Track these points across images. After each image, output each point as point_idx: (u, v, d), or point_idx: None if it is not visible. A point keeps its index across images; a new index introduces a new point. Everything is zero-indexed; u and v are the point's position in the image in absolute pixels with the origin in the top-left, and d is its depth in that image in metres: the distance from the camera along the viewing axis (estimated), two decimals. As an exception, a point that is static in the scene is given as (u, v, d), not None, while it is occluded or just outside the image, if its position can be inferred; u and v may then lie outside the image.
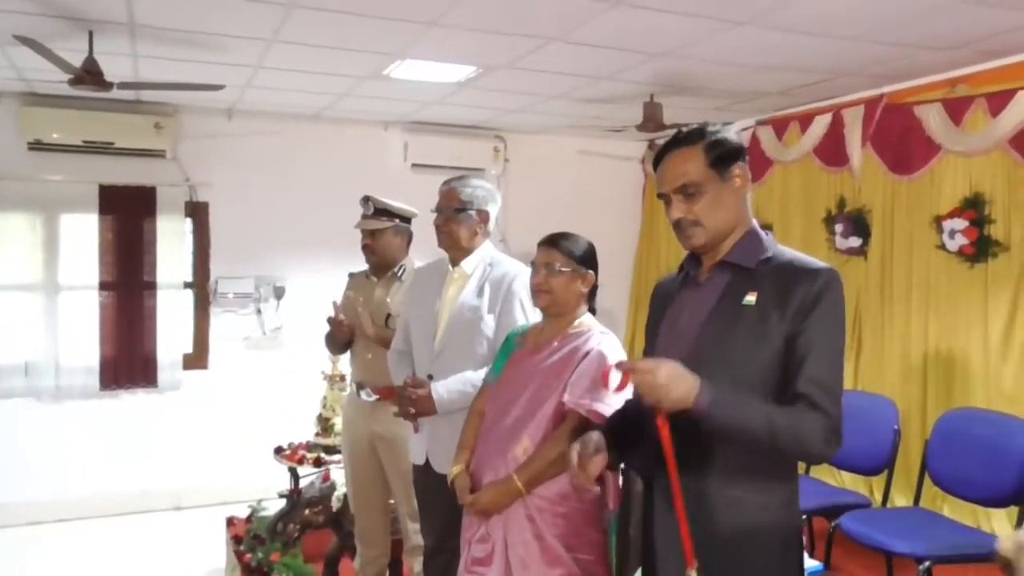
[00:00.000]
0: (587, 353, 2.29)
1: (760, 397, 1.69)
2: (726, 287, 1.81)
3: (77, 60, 3.86)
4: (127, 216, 5.48)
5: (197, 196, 5.69)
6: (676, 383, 1.63)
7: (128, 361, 5.49)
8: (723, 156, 1.81)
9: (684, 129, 1.86)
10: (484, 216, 2.92)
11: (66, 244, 5.37)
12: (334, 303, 3.58)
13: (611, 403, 2.13)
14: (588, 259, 2.39)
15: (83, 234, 5.39)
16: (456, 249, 2.92)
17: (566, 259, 2.34)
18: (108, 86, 4.01)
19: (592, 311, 2.47)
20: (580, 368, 2.27)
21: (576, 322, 2.39)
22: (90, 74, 3.91)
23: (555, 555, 2.19)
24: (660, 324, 1.94)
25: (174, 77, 4.51)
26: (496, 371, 2.50)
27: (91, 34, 3.83)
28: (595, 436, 1.90)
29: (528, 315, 2.74)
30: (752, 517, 1.73)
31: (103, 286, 5.45)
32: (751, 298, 1.75)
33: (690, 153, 1.82)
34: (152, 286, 5.53)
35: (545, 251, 2.38)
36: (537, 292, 2.39)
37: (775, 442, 1.65)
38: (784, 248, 1.85)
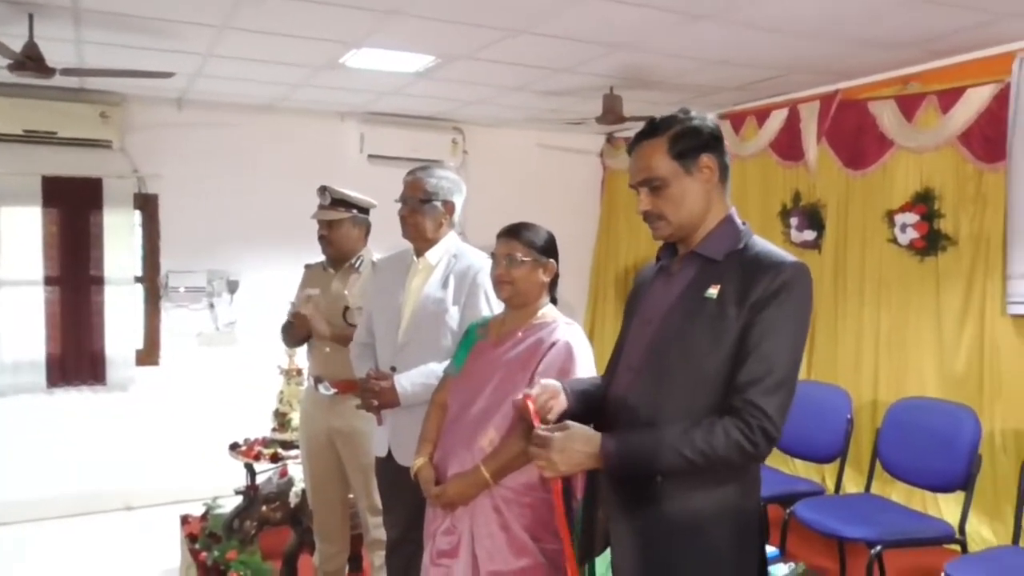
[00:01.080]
0: (553, 344, 2.27)
1: (698, 403, 1.69)
2: (692, 279, 1.79)
3: (17, 45, 3.72)
4: (72, 209, 5.32)
5: (146, 188, 5.55)
6: (569, 456, 1.69)
7: (76, 358, 5.34)
8: (688, 148, 1.77)
9: (658, 118, 1.82)
10: (450, 207, 2.89)
11: (8, 238, 5.17)
12: (292, 304, 3.51)
13: None
14: (549, 249, 2.38)
15: (26, 228, 5.20)
16: (421, 240, 2.88)
17: (527, 249, 2.33)
18: (50, 72, 3.86)
19: (554, 301, 2.46)
20: (547, 359, 2.25)
21: (539, 313, 2.38)
22: (31, 60, 3.76)
23: (521, 545, 2.18)
24: (634, 313, 1.93)
25: (121, 64, 4.37)
26: (458, 363, 2.47)
27: (31, 17, 3.67)
28: (552, 382, 1.91)
29: (493, 308, 2.72)
30: (703, 504, 1.71)
31: (48, 281, 5.27)
32: (713, 291, 1.73)
33: (654, 146, 1.79)
34: (100, 281, 5.38)
35: (505, 242, 2.36)
36: (499, 284, 2.37)
37: (695, 466, 1.65)
38: (759, 241, 1.81)
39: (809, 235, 5.07)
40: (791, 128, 5.18)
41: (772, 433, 1.65)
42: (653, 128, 1.81)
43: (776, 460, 4.68)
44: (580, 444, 1.70)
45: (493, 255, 2.42)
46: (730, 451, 1.64)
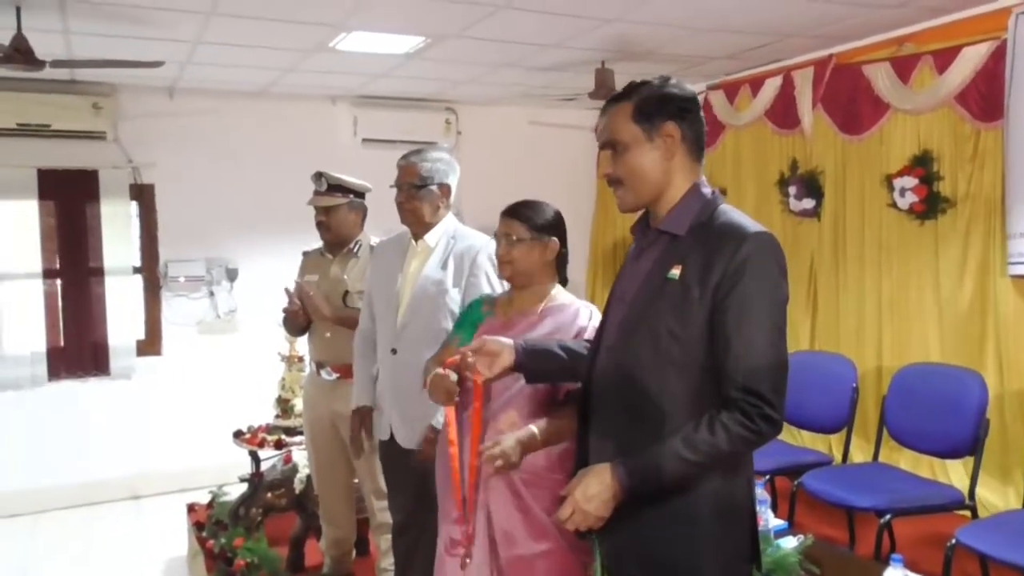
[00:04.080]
0: (583, 329, 2.20)
1: (679, 410, 1.66)
2: (657, 258, 1.75)
3: (5, 38, 3.69)
4: (69, 201, 5.31)
5: (141, 178, 5.52)
6: (595, 501, 1.67)
7: (78, 349, 5.34)
8: (651, 113, 1.72)
9: (635, 82, 1.79)
10: (446, 190, 2.87)
11: (4, 231, 5.16)
12: (287, 291, 3.49)
13: None
14: (551, 227, 2.31)
15: (23, 221, 5.19)
16: (419, 225, 2.86)
17: (525, 228, 2.27)
18: (40, 65, 3.83)
19: (564, 282, 2.38)
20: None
21: (551, 294, 2.31)
22: (20, 52, 3.73)
23: (542, 528, 2.12)
24: (613, 291, 1.90)
25: (110, 54, 4.33)
26: (467, 337, 2.36)
27: (18, 9, 3.64)
28: (499, 340, 1.99)
29: (495, 288, 2.70)
30: (688, 489, 1.68)
31: (47, 273, 5.27)
32: (675, 272, 1.67)
33: (621, 108, 1.76)
34: (99, 272, 5.37)
35: (505, 221, 2.31)
36: (500, 263, 2.33)
37: (706, 466, 1.63)
38: (726, 210, 1.73)
39: (808, 203, 5.04)
40: (786, 96, 5.13)
41: (773, 416, 1.62)
42: (625, 91, 1.78)
43: (782, 432, 4.66)
44: (596, 487, 1.67)
45: (495, 235, 2.37)
46: (735, 444, 1.61)
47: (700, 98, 1.82)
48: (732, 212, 1.74)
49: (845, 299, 4.91)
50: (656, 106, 1.73)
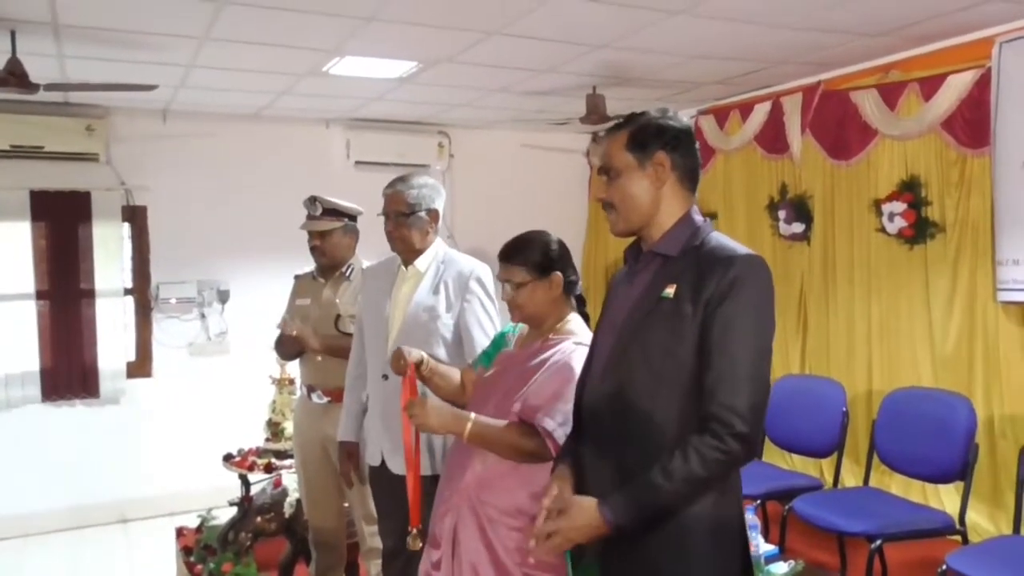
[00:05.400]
0: (553, 363, 2.18)
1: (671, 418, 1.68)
2: (650, 279, 1.79)
3: (0, 62, 3.71)
4: (61, 223, 5.30)
5: (134, 200, 5.53)
6: (580, 530, 1.68)
7: (68, 371, 5.31)
8: (644, 142, 1.78)
9: (635, 113, 1.85)
10: (434, 215, 2.88)
11: (-3, 252, 5.17)
12: (284, 320, 3.48)
13: (559, 419, 2.06)
14: (550, 262, 2.25)
15: (15, 242, 5.19)
16: (409, 252, 2.87)
17: (524, 270, 2.23)
18: (34, 88, 3.85)
19: (581, 304, 2.36)
20: (541, 378, 2.16)
21: (558, 324, 2.27)
22: (14, 75, 3.75)
23: (504, 570, 2.11)
24: (603, 317, 1.92)
25: (104, 78, 4.36)
26: (485, 363, 2.42)
27: (13, 34, 3.67)
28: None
29: (490, 313, 2.72)
30: (682, 513, 1.68)
31: (39, 295, 5.26)
32: (669, 291, 1.71)
33: (617, 137, 1.83)
34: (91, 294, 5.36)
35: (504, 267, 2.27)
36: (510, 309, 2.30)
37: (688, 494, 1.65)
38: (717, 236, 1.79)
39: (798, 227, 5.07)
40: (775, 121, 5.18)
41: (746, 433, 1.62)
42: (623, 121, 1.85)
43: (773, 455, 4.68)
44: (582, 520, 1.69)
45: (497, 279, 2.35)
46: (710, 468, 1.62)
47: (691, 123, 1.87)
48: (723, 237, 1.79)
49: (835, 322, 4.93)
50: (650, 136, 1.79)
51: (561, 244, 2.31)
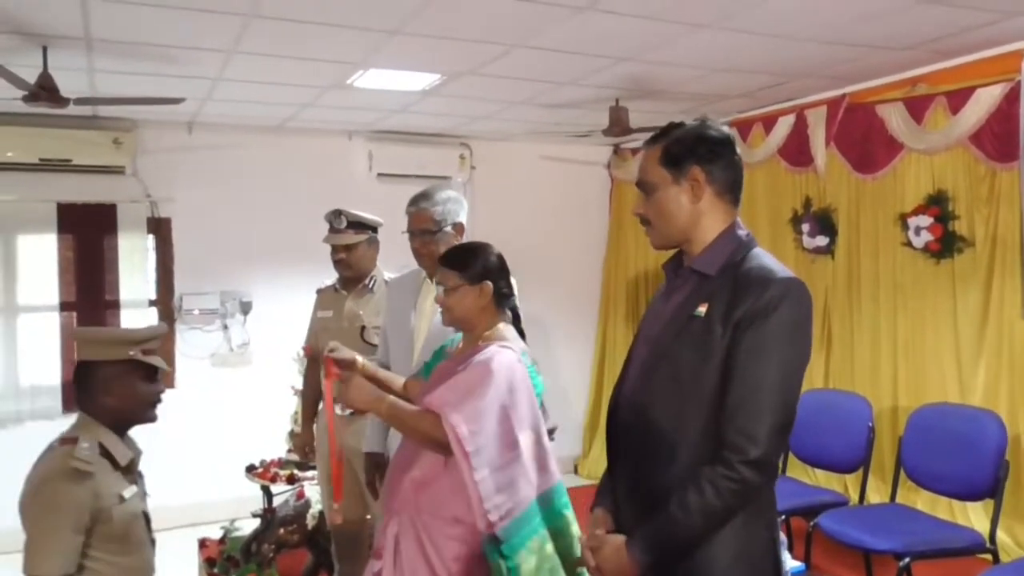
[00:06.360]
0: (476, 361, 2.26)
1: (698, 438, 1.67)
2: (686, 296, 1.76)
3: (31, 76, 3.76)
4: (87, 234, 5.37)
5: (159, 212, 5.58)
6: (616, 567, 1.69)
7: (92, 382, 5.35)
8: (678, 156, 1.75)
9: (673, 123, 1.83)
10: (459, 228, 2.89)
11: (24, 264, 5.23)
12: (307, 335, 3.51)
13: (466, 415, 2.12)
14: (484, 271, 2.35)
15: (42, 254, 5.25)
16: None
17: (456, 275, 2.34)
18: (64, 102, 3.91)
19: (517, 318, 2.46)
20: (460, 375, 2.24)
21: (487, 333, 2.36)
22: (45, 90, 3.81)
23: None
24: (640, 331, 1.92)
25: (132, 91, 4.42)
26: (426, 373, 2.51)
27: (45, 49, 3.72)
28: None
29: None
30: (710, 539, 1.66)
31: (64, 306, 5.32)
32: (702, 310, 1.69)
33: (652, 151, 1.80)
34: (115, 305, 5.42)
35: (440, 270, 2.39)
36: (441, 311, 2.40)
37: (708, 526, 1.63)
38: (759, 254, 1.75)
39: (822, 241, 5.04)
40: (799, 134, 5.15)
41: (758, 458, 1.60)
42: (659, 134, 1.82)
43: (797, 471, 4.63)
44: (615, 560, 1.70)
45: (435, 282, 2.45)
46: (724, 499, 1.61)
47: (733, 132, 1.84)
48: (765, 256, 1.75)
49: (860, 337, 4.88)
50: (684, 150, 1.76)
51: (500, 257, 2.43)
